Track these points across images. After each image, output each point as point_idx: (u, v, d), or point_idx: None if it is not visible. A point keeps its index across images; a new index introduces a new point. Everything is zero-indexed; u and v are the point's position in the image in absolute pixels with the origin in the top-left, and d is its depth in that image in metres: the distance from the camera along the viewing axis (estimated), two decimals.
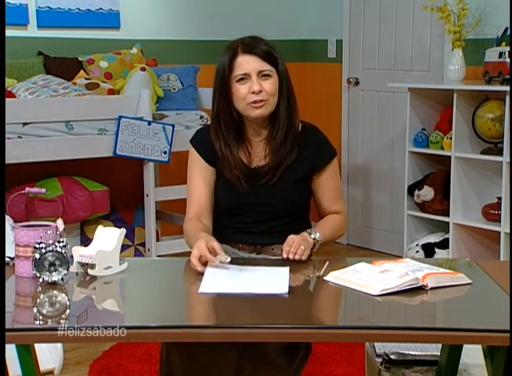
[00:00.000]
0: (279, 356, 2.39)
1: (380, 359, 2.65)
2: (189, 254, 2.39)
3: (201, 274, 2.27)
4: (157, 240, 4.90)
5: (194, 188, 2.70)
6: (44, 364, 3.28)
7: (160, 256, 4.75)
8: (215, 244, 2.37)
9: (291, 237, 2.46)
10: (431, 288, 2.15)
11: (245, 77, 2.56)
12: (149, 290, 2.29)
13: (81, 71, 4.81)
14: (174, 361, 2.39)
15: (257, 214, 2.66)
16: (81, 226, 4.83)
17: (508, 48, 4.39)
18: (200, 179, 2.69)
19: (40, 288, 2.19)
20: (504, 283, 2.19)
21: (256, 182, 2.65)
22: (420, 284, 2.15)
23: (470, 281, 2.22)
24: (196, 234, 2.49)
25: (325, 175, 2.69)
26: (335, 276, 2.24)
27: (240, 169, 2.64)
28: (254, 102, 2.56)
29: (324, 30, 5.89)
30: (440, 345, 2.53)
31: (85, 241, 4.66)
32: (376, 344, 2.71)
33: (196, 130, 2.86)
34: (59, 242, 2.23)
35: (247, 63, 2.56)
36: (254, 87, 2.55)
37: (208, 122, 4.79)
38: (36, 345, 2.27)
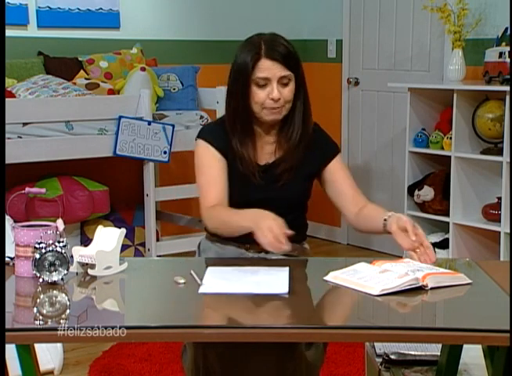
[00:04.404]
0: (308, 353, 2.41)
1: (380, 359, 2.65)
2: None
3: (201, 274, 2.27)
4: (157, 240, 4.90)
5: (210, 177, 2.59)
6: (44, 364, 3.28)
7: (160, 256, 4.75)
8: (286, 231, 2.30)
9: (419, 232, 2.37)
10: (431, 288, 2.15)
11: (265, 82, 2.55)
12: (149, 290, 2.29)
13: (81, 71, 4.81)
14: (214, 365, 2.34)
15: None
16: (81, 226, 4.84)
17: (508, 48, 4.40)
18: (215, 169, 2.59)
19: (40, 288, 2.19)
20: (504, 283, 2.19)
21: (267, 178, 2.63)
22: (420, 284, 2.15)
23: (470, 281, 2.22)
24: (238, 212, 2.43)
25: (337, 168, 2.68)
26: (335, 276, 2.24)
27: (254, 165, 2.62)
28: (272, 108, 2.56)
29: (324, 30, 5.89)
30: (440, 345, 2.53)
31: (85, 241, 4.66)
32: (376, 344, 2.71)
33: (199, 129, 2.77)
34: (59, 242, 2.23)
35: (270, 69, 2.53)
36: (274, 94, 2.53)
37: (208, 122, 4.79)
38: (36, 345, 2.27)
